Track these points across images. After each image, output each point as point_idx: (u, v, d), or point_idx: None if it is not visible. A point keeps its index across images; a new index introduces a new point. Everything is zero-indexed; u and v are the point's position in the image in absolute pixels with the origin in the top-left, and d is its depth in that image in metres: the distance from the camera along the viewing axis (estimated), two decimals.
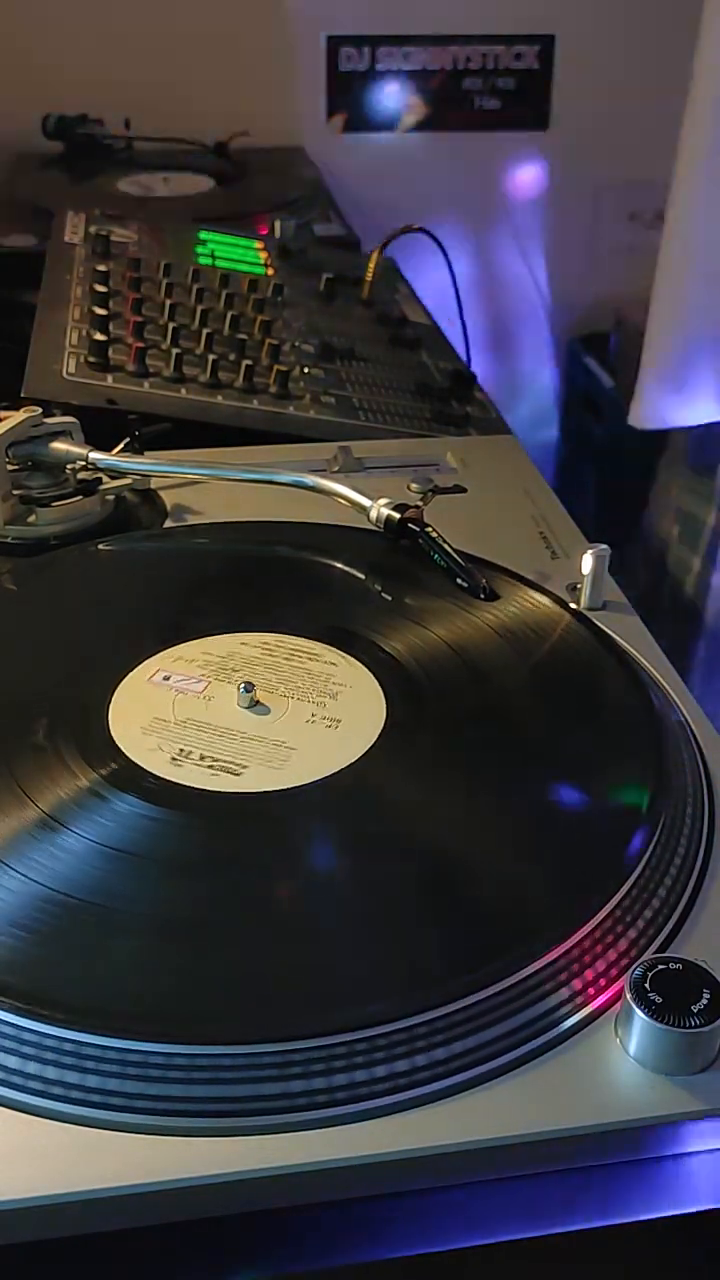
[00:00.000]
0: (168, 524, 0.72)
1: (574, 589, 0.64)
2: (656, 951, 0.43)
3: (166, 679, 0.56)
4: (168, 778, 0.50)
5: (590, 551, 0.63)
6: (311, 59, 1.68)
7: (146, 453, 0.75)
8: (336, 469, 0.78)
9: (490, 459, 0.81)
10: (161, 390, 0.86)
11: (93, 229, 1.13)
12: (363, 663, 0.57)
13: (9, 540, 0.69)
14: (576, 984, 0.41)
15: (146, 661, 0.57)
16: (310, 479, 0.69)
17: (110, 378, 0.86)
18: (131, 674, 0.56)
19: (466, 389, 0.96)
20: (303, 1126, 0.37)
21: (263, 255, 1.16)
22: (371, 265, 1.12)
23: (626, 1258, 0.40)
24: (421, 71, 1.72)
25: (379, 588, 0.63)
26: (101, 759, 0.50)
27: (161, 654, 0.58)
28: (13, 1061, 0.39)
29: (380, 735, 0.52)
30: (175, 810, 0.48)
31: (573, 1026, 0.40)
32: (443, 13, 1.69)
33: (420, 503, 0.67)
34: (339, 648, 0.58)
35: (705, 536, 1.15)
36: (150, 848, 0.46)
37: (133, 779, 0.49)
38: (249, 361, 0.89)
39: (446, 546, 0.64)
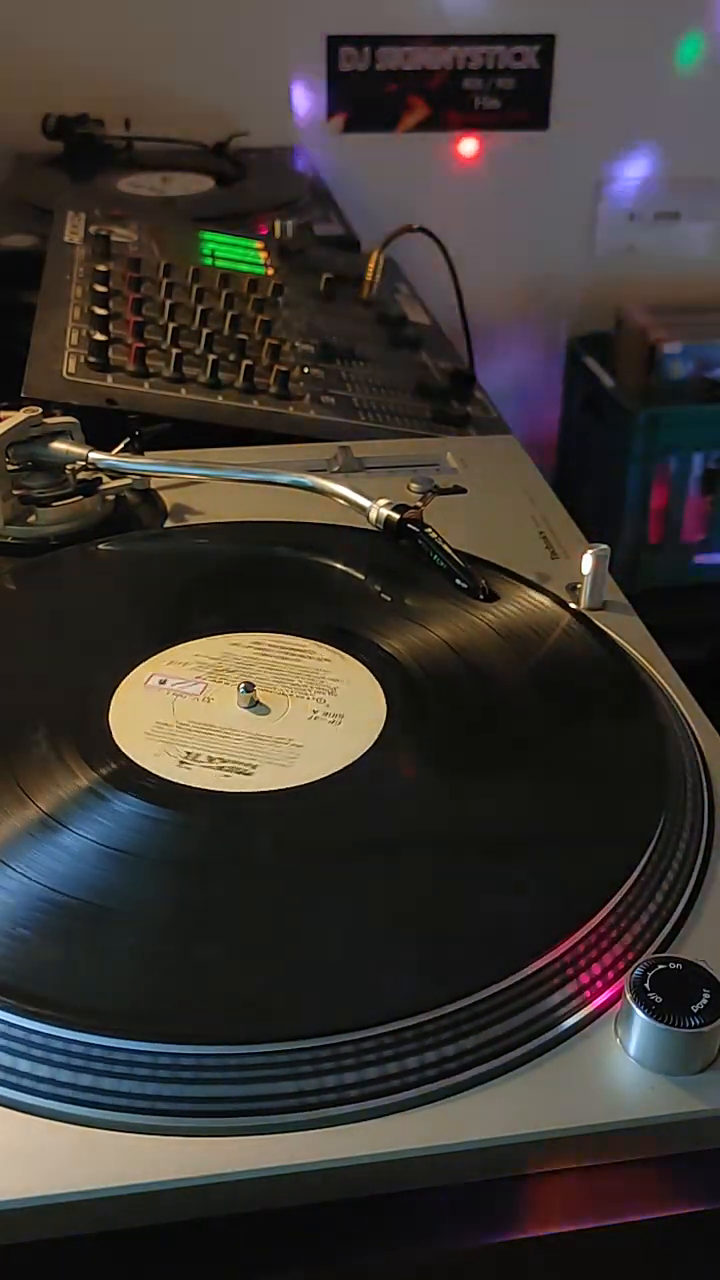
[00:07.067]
0: (168, 524, 0.72)
1: (574, 589, 0.64)
2: (656, 951, 0.43)
3: (166, 680, 0.56)
4: (175, 780, 0.49)
5: (590, 551, 0.63)
6: (312, 59, 1.68)
7: (146, 453, 0.75)
8: (336, 469, 0.78)
9: (490, 459, 0.81)
10: (161, 390, 0.86)
11: (93, 229, 1.13)
12: (363, 663, 0.57)
13: (9, 540, 0.69)
14: (578, 983, 0.41)
15: (147, 661, 0.57)
16: (310, 479, 0.69)
17: (110, 378, 0.86)
18: (132, 674, 0.56)
19: (466, 389, 0.95)
20: (303, 1126, 0.37)
21: (263, 255, 1.16)
22: (371, 265, 1.12)
23: (627, 1258, 0.40)
24: (421, 71, 1.72)
25: (378, 588, 0.63)
26: (102, 759, 0.50)
27: (162, 654, 0.58)
28: (12, 1061, 0.39)
29: (382, 735, 0.52)
30: (180, 810, 0.48)
31: (573, 1026, 0.40)
32: (443, 13, 1.69)
33: (420, 503, 0.67)
34: (338, 648, 0.58)
35: None
36: (154, 849, 0.46)
37: (135, 780, 0.49)
38: (249, 361, 0.89)
39: (446, 547, 0.64)
